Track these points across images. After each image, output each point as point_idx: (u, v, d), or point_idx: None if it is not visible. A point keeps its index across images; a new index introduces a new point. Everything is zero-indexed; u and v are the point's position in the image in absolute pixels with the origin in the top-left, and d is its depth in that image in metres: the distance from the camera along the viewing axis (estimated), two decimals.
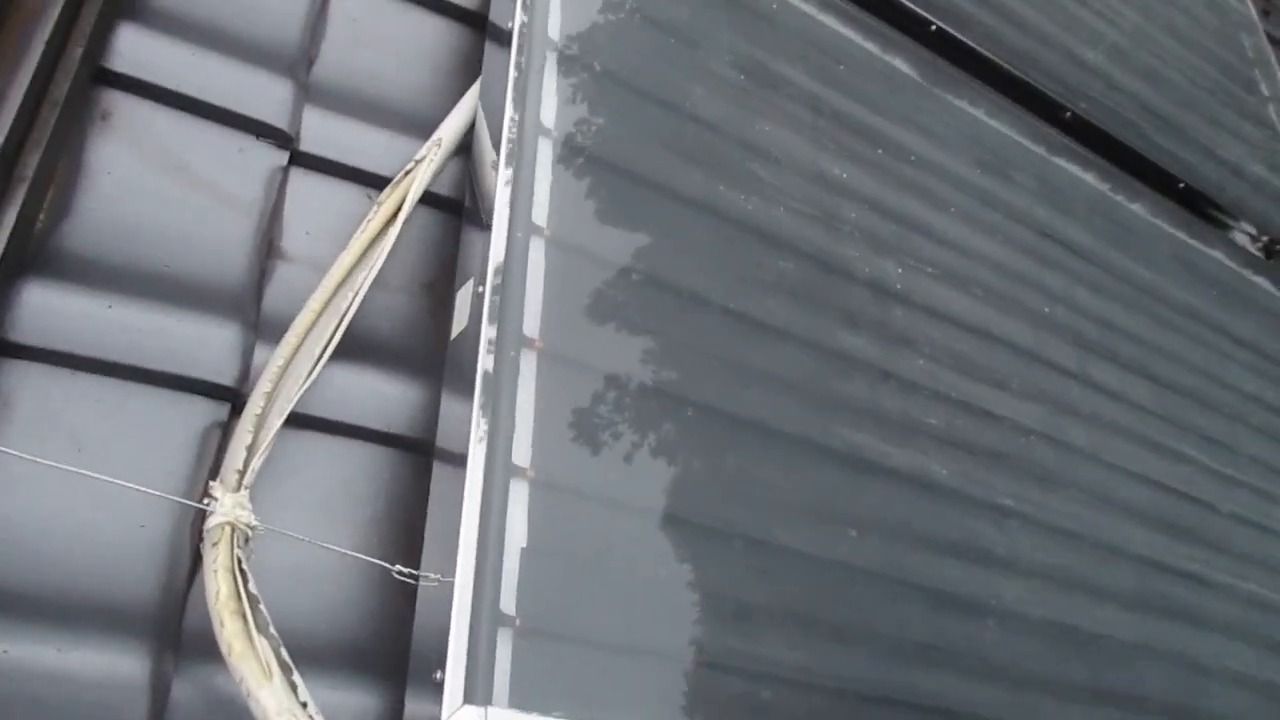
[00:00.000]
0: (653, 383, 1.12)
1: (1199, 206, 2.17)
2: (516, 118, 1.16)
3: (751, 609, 1.06)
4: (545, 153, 1.17)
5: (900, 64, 1.72)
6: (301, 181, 1.17)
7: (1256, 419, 1.87)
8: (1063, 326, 1.64)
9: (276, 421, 0.97)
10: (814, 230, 1.38)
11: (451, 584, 0.88)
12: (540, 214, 1.13)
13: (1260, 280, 2.19)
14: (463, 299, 1.09)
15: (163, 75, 1.10)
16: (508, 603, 0.90)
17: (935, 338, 1.43)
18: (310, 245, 1.15)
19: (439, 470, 1.01)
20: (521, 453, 0.98)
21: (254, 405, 0.99)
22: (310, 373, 0.99)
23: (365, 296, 1.09)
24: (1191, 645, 1.46)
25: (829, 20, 1.65)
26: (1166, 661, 1.41)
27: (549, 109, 1.20)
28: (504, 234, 1.07)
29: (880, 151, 1.55)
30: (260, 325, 1.06)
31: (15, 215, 0.93)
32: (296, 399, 0.99)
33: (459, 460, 0.96)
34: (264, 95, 1.15)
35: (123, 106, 1.09)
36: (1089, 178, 1.94)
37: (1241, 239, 2.28)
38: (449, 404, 1.05)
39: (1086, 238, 1.81)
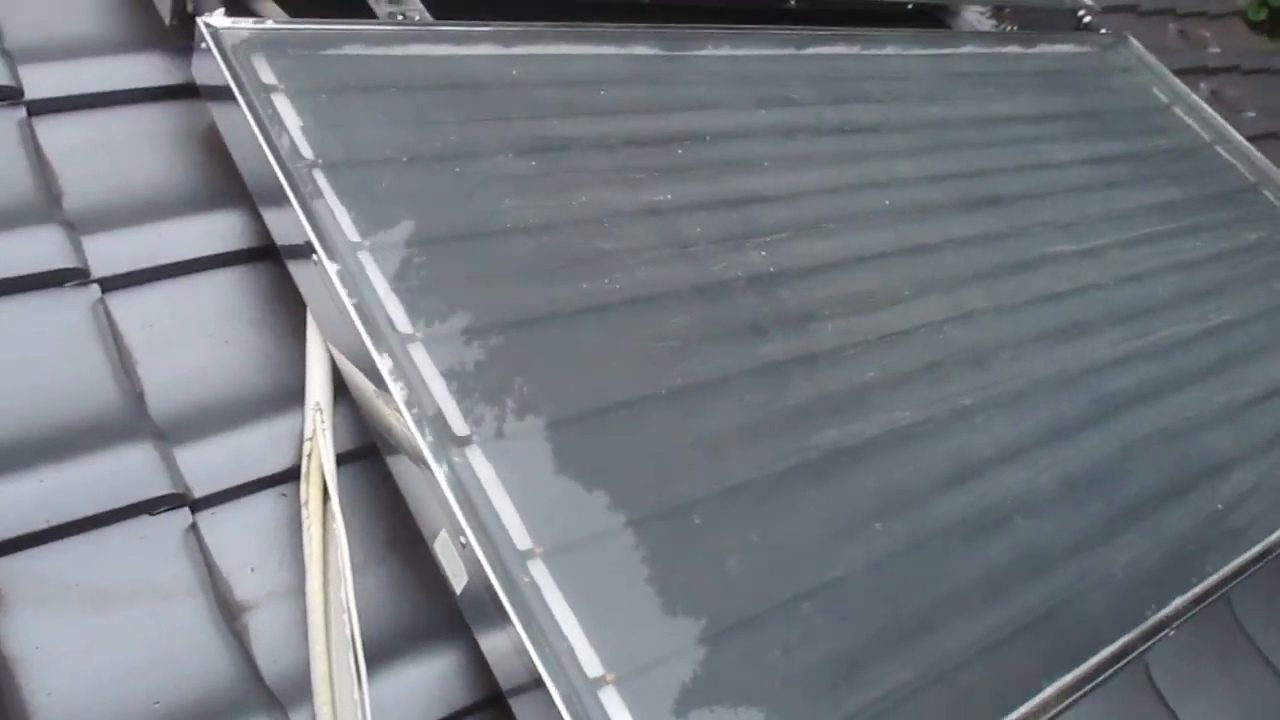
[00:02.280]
0: (649, 514, 1.11)
1: (936, 16, 2.27)
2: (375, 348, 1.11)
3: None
4: (425, 361, 1.13)
5: (642, 49, 1.70)
6: (214, 529, 1.09)
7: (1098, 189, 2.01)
8: (906, 209, 1.70)
9: None
10: (680, 269, 1.38)
11: None
12: (458, 422, 1.09)
13: (1014, 48, 2.32)
14: (445, 552, 1.05)
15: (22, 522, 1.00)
16: None
17: (824, 295, 1.46)
18: (263, 582, 1.08)
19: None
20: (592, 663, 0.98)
21: None
22: None
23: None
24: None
25: (577, 49, 1.61)
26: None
27: (401, 318, 1.15)
28: (445, 469, 1.04)
29: (680, 151, 1.55)
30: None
31: None
32: None
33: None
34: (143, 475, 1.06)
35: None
36: (840, 49, 1.99)
37: (975, 18, 2.40)
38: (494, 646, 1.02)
39: (874, 111, 1.87)
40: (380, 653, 1.05)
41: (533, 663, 0.95)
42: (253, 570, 1.08)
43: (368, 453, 1.18)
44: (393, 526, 1.15)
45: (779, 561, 1.14)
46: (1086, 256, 1.84)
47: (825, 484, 1.24)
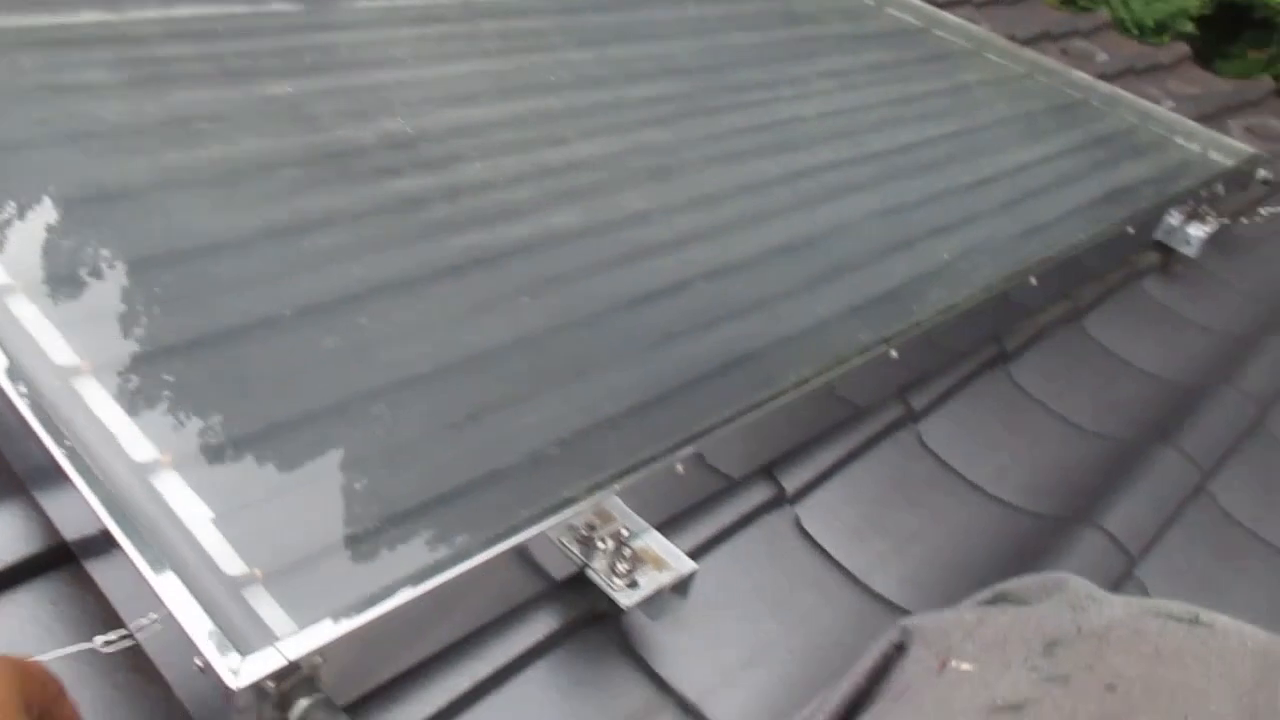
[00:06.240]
0: None
1: None
2: None
3: None
4: None
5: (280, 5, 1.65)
6: None
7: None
8: (572, 83, 1.65)
9: None
10: (295, 138, 1.29)
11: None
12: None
13: None
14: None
15: None
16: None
17: (473, 144, 1.39)
18: None
19: None
20: None
21: None
22: None
23: None
24: None
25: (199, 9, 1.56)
26: None
27: None
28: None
29: (308, 58, 1.49)
30: None
31: None
32: None
33: None
34: None
35: None
36: None
37: None
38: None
39: (539, 20, 1.85)
40: None
41: None
42: None
43: None
44: None
45: (380, 344, 1.02)
46: (782, 100, 1.80)
47: (459, 278, 1.13)
